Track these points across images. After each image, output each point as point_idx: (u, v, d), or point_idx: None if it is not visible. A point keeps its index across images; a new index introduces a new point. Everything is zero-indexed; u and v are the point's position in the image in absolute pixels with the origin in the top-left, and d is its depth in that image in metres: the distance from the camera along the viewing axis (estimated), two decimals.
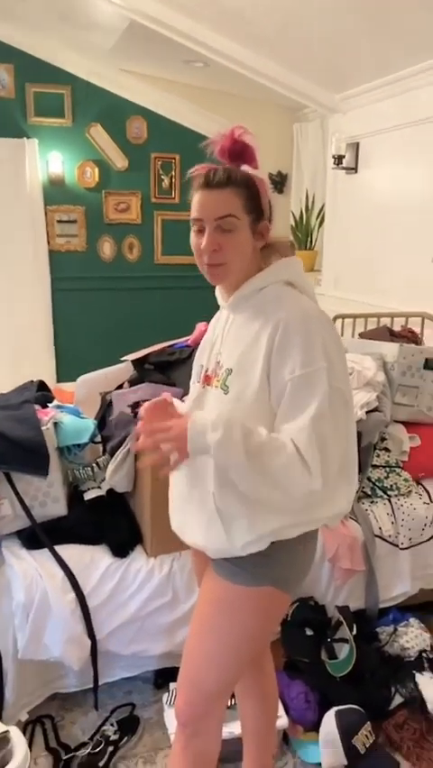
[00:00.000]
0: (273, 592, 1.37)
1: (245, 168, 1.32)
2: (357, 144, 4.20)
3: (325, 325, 1.28)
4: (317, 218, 5.04)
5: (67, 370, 5.06)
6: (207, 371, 1.41)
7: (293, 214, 5.30)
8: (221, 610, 1.39)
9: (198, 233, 1.31)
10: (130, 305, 5.46)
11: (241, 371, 1.29)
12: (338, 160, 4.24)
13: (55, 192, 5.06)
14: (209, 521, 1.34)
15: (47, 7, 4.11)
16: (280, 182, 5.54)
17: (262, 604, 1.38)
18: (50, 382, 5.03)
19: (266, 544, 1.30)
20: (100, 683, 2.10)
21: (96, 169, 5.13)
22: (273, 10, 3.38)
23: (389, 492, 2.45)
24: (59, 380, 5.15)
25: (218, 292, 1.44)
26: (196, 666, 1.44)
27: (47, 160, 5.00)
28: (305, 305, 1.30)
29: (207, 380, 1.40)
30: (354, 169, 4.26)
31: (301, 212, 5.16)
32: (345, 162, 4.24)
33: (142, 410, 1.38)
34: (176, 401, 1.48)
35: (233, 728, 1.87)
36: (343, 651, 2.16)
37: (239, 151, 1.30)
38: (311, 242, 5.18)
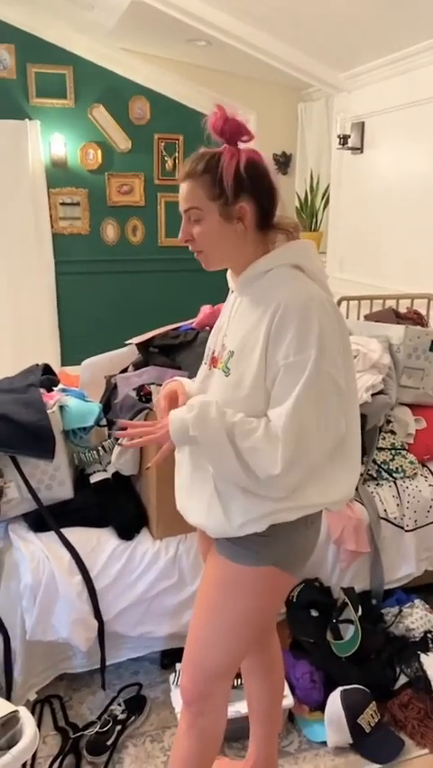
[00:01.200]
0: (275, 572, 1.37)
1: (243, 144, 1.29)
2: (363, 124, 4.15)
3: (326, 311, 1.26)
4: (321, 199, 5.00)
5: (71, 354, 5.06)
6: (213, 353, 1.41)
7: (298, 196, 5.25)
8: (222, 590, 1.40)
9: None
10: (134, 287, 5.44)
11: (242, 354, 1.29)
12: (343, 140, 4.19)
13: (58, 174, 5.02)
14: (210, 502, 1.35)
15: None
16: (284, 163, 5.50)
17: (263, 584, 1.39)
18: (54, 366, 5.00)
19: (265, 525, 1.30)
20: (107, 664, 2.13)
21: (99, 151, 5.08)
22: None
23: (394, 474, 2.45)
24: (63, 364, 5.15)
25: (229, 275, 1.43)
26: (199, 646, 1.45)
27: (49, 142, 4.96)
28: (308, 288, 1.27)
29: (213, 362, 1.40)
30: (360, 149, 4.21)
31: (306, 193, 5.11)
32: (350, 142, 4.19)
33: (160, 400, 1.43)
34: (186, 381, 1.48)
35: (238, 707, 1.89)
36: (348, 632, 2.18)
37: (226, 130, 1.27)
38: (316, 223, 5.14)
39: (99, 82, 4.99)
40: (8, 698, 1.99)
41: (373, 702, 2.00)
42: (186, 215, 1.32)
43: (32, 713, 2.00)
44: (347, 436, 1.34)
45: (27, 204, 5.01)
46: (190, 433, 1.26)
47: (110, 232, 5.30)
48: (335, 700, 1.99)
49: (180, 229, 1.34)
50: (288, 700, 1.98)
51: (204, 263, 1.37)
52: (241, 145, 1.29)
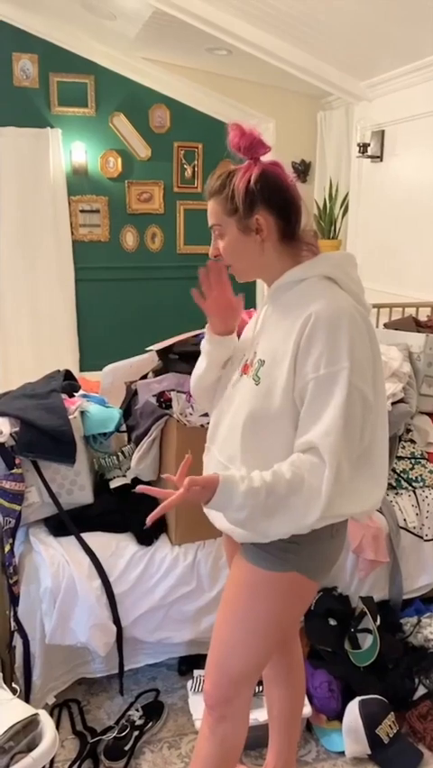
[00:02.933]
0: (299, 578, 1.38)
1: (264, 157, 1.33)
2: (382, 132, 4.16)
3: (356, 323, 1.26)
4: (340, 207, 5.00)
5: (90, 360, 5.09)
6: (246, 361, 1.42)
7: (316, 203, 5.25)
8: (247, 595, 1.41)
9: None
10: (153, 294, 5.47)
11: (273, 363, 1.30)
12: (363, 148, 4.20)
13: (78, 182, 5.07)
14: None
15: None
16: (303, 170, 5.50)
17: (287, 589, 1.39)
18: (74, 371, 5.06)
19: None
20: (125, 669, 2.13)
21: (119, 159, 5.13)
22: None
23: (414, 484, 2.44)
24: (82, 369, 5.19)
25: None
26: (222, 650, 1.46)
27: (70, 150, 5.02)
28: (340, 300, 1.28)
29: (244, 369, 1.41)
30: (380, 158, 4.21)
31: (325, 201, 5.11)
32: (369, 151, 4.20)
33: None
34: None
35: (257, 715, 1.88)
36: (366, 641, 2.16)
37: (243, 146, 1.31)
38: (335, 230, 5.13)
39: (120, 91, 5.05)
40: (27, 701, 2.00)
41: (392, 713, 1.99)
42: (212, 232, 1.39)
43: (51, 717, 2.02)
44: (374, 448, 1.34)
45: (48, 211, 5.07)
46: (235, 503, 1.20)
47: (129, 239, 5.34)
48: (353, 710, 1.98)
49: (211, 245, 1.41)
50: (306, 709, 1.97)
51: (235, 276, 1.42)
52: (264, 158, 1.32)
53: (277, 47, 3.98)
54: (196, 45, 4.32)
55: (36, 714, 1.46)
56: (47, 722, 1.46)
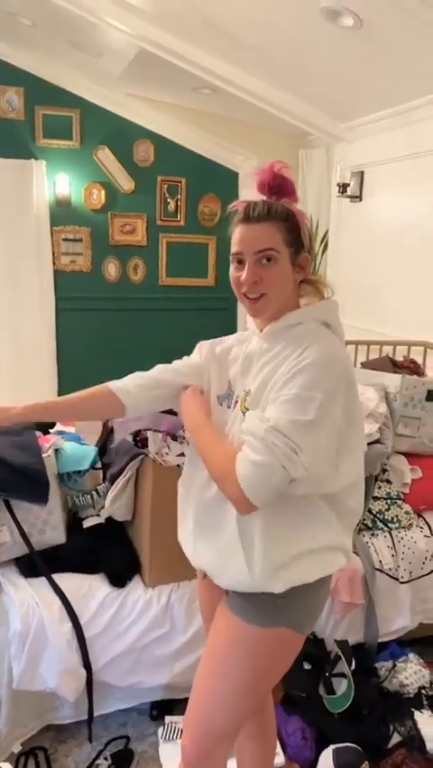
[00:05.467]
0: (288, 633, 1.36)
1: (285, 201, 1.34)
2: (362, 173, 4.24)
3: (346, 373, 1.28)
4: (320, 245, 5.07)
5: (68, 390, 4.98)
6: (236, 399, 1.41)
7: None
8: (234, 649, 1.38)
9: (239, 265, 1.35)
10: (133, 326, 5.47)
11: (261, 395, 1.32)
12: (343, 188, 4.27)
13: (62, 213, 5.09)
14: (228, 551, 1.34)
15: (58, 35, 4.18)
16: None
17: (277, 645, 1.37)
18: None
19: (286, 586, 1.30)
20: (95, 715, 2.08)
21: (103, 191, 5.17)
22: (281, 41, 3.42)
23: (390, 525, 2.44)
24: None
25: (252, 321, 1.46)
26: (205, 705, 1.42)
27: (54, 182, 5.04)
28: (334, 347, 1.30)
29: (234, 405, 1.42)
30: (359, 198, 4.29)
31: None
32: (349, 191, 4.27)
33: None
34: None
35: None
36: (341, 686, 2.14)
37: (278, 185, 1.33)
38: (315, 267, 5.20)
39: (105, 125, 5.10)
40: None
41: (366, 762, 1.96)
42: (256, 256, 1.31)
43: (16, 766, 1.96)
44: (349, 499, 1.36)
45: (30, 240, 5.07)
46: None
47: (112, 270, 5.35)
48: (327, 760, 1.94)
49: (245, 270, 1.33)
50: (278, 759, 1.93)
51: (258, 308, 1.36)
52: (284, 201, 1.35)
53: (260, 88, 4.07)
54: (180, 84, 4.40)
55: None
56: None
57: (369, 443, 2.44)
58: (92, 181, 5.14)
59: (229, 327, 5.43)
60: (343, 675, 2.15)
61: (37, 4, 3.55)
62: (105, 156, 5.16)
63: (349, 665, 2.16)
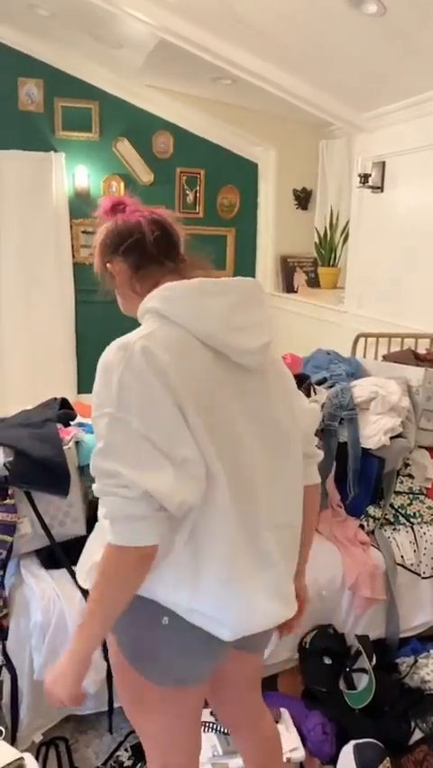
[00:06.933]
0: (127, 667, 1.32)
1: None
2: (383, 164, 4.18)
3: (141, 362, 1.12)
4: (341, 235, 5.03)
5: (87, 383, 5.01)
6: None
7: (317, 231, 5.29)
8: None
9: None
10: None
11: None
12: (364, 178, 4.21)
13: (81, 205, 5.09)
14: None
15: (79, 26, 4.16)
16: (304, 198, 5.54)
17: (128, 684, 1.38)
18: (72, 394, 5.06)
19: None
20: (115, 706, 2.08)
21: (122, 183, 5.16)
22: (302, 30, 3.38)
23: (412, 520, 2.41)
24: (79, 392, 5.18)
25: None
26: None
27: (73, 174, 5.05)
28: (129, 336, 1.17)
29: None
30: (380, 188, 4.23)
31: (325, 229, 5.14)
32: (370, 181, 4.21)
33: None
34: None
35: None
36: (362, 682, 2.12)
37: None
38: (335, 258, 5.16)
39: (124, 117, 5.09)
40: (14, 738, 1.95)
41: (387, 758, 1.94)
42: None
43: (37, 755, 1.98)
44: (209, 535, 1.19)
45: (50, 233, 5.09)
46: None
47: None
48: (347, 755, 1.93)
49: None
50: (299, 753, 1.92)
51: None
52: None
53: (280, 78, 4.02)
54: (200, 74, 4.37)
55: (21, 758, 1.42)
56: (32, 766, 1.42)
57: (391, 438, 2.41)
58: (111, 173, 5.14)
59: None
60: (364, 671, 2.14)
61: None
62: (125, 148, 5.15)
63: (370, 661, 2.15)
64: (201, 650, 1.28)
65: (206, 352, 1.18)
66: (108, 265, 1.36)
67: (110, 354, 1.16)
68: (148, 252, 1.30)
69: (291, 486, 1.33)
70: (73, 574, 2.06)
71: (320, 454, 1.50)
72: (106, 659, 1.98)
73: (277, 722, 2.00)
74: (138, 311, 1.27)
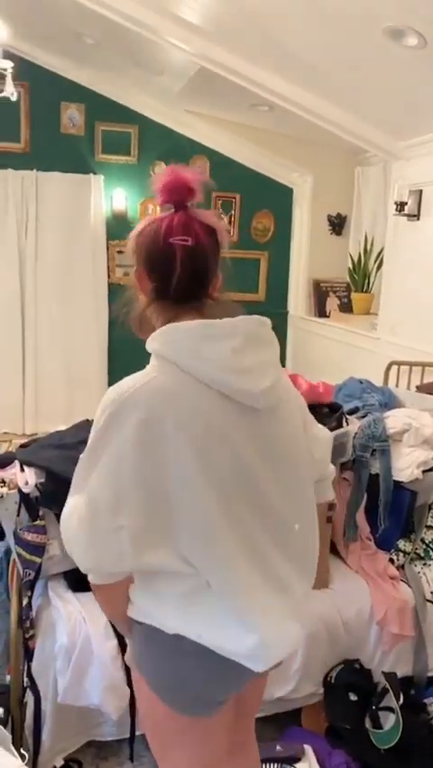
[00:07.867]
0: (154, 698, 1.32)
1: None
2: (420, 192, 4.17)
3: (124, 411, 1.16)
4: (375, 262, 5.01)
5: None
6: None
7: (351, 257, 5.28)
8: None
9: None
10: None
11: None
12: (400, 206, 4.21)
13: (118, 227, 5.17)
14: None
15: (122, 53, 4.26)
16: (338, 223, 5.54)
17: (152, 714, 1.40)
18: None
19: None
20: (137, 734, 2.07)
21: (158, 207, 5.21)
22: (342, 61, 3.41)
23: None
24: None
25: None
26: None
27: (111, 196, 5.14)
28: (126, 383, 1.20)
29: None
30: (417, 216, 4.21)
31: (360, 254, 5.14)
32: (406, 209, 4.20)
33: None
34: None
35: None
36: (388, 721, 2.08)
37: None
38: (369, 284, 5.15)
39: (162, 141, 5.17)
40: (35, 762, 1.95)
41: None
42: None
43: None
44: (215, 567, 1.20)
45: (87, 253, 5.18)
46: None
47: None
48: None
49: None
50: None
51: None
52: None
53: (317, 105, 4.05)
54: (238, 101, 4.42)
55: None
56: None
57: (424, 471, 2.38)
58: (148, 197, 5.21)
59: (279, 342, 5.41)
60: (390, 709, 2.09)
61: (102, 25, 3.63)
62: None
63: (397, 699, 2.10)
64: (230, 681, 1.30)
65: (212, 394, 1.17)
66: (135, 267, 1.30)
67: (105, 397, 1.21)
68: (171, 292, 1.25)
69: (307, 526, 1.33)
70: None
71: (333, 471, 1.52)
72: (129, 685, 1.98)
73: (300, 759, 1.97)
74: (147, 343, 1.25)
